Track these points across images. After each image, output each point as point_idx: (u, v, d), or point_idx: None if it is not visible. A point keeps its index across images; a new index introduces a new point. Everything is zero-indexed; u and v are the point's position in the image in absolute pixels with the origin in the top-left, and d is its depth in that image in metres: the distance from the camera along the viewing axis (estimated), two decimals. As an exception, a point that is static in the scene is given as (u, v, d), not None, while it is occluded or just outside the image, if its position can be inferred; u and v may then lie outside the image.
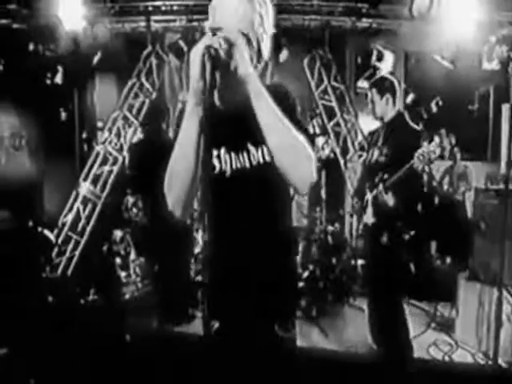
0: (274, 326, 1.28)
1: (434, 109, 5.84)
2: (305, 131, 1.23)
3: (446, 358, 3.44)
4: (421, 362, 3.37)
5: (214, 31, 1.05)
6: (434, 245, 5.45)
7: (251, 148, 1.23)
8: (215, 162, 1.26)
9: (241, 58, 1.05)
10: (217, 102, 1.22)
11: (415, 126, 2.96)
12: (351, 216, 5.13)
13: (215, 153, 1.26)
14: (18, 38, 4.84)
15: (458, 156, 5.95)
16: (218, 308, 1.27)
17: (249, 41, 1.19)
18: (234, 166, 1.26)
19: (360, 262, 4.97)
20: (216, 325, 1.28)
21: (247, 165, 1.24)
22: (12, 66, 4.85)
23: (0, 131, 5.11)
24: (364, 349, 3.36)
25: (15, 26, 4.84)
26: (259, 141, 1.16)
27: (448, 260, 5.28)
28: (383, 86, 3.07)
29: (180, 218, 1.20)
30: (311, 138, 1.26)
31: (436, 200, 5.65)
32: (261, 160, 1.24)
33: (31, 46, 4.72)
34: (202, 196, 1.11)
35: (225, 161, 1.26)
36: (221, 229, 1.23)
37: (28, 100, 4.88)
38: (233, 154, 1.25)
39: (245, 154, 1.24)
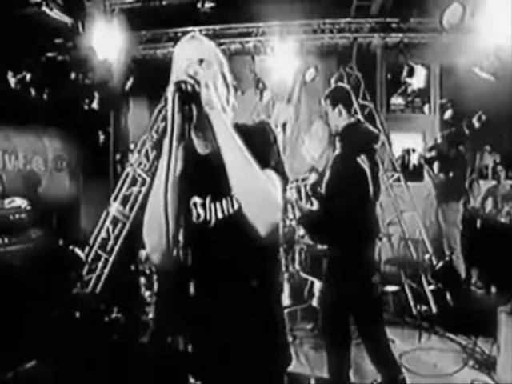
0: None
1: (477, 124, 5.34)
2: (282, 174, 1.20)
3: (485, 402, 3.08)
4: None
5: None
6: (475, 272, 4.96)
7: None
8: (200, 211, 1.23)
9: (205, 89, 1.07)
10: (196, 144, 1.23)
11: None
12: (380, 239, 4.81)
13: (200, 201, 1.23)
14: (62, 69, 5.20)
15: (503, 175, 5.40)
16: (202, 372, 1.21)
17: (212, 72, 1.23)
18: (219, 215, 1.22)
19: (389, 288, 4.69)
20: None
21: (231, 211, 1.20)
22: (56, 95, 5.20)
23: (45, 154, 5.47)
24: None
25: (60, 58, 5.20)
26: None
27: (493, 289, 4.83)
28: (336, 96, 2.72)
29: (159, 265, 1.16)
30: (286, 183, 1.22)
31: (478, 223, 5.15)
32: None
33: (73, 76, 5.04)
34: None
35: (209, 209, 1.22)
36: (204, 282, 1.20)
37: (69, 125, 5.20)
38: (217, 203, 1.22)
39: (229, 200, 1.20)
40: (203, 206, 1.22)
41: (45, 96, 5.11)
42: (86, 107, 5.20)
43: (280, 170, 1.21)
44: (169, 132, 1.02)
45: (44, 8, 4.00)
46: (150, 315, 4.57)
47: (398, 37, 4.79)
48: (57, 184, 5.55)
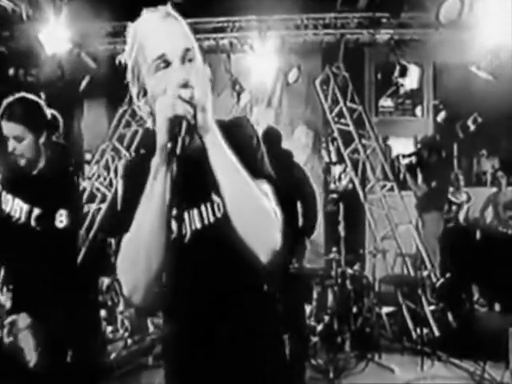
0: None
1: (472, 127, 5.40)
2: (269, 177, 1.17)
3: None
4: None
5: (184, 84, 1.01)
6: (476, 289, 4.97)
7: (215, 198, 1.12)
8: (173, 224, 1.12)
9: (201, 114, 1.00)
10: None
11: None
12: (374, 256, 4.73)
13: (174, 212, 1.12)
14: (-4, 62, 4.76)
15: (504, 181, 5.44)
16: None
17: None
18: (197, 225, 1.15)
19: (385, 309, 4.67)
20: None
21: (211, 219, 1.14)
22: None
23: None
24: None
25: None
26: None
27: (496, 307, 4.84)
28: None
29: (139, 305, 1.10)
30: (275, 184, 1.18)
31: (477, 234, 5.15)
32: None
33: (11, 71, 4.60)
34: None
35: (183, 220, 1.15)
36: (183, 306, 1.17)
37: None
38: (195, 210, 1.15)
39: (208, 206, 1.14)
40: (177, 217, 1.11)
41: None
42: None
43: (270, 176, 1.18)
44: (164, 153, 0.99)
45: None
46: (113, 355, 4.21)
47: (388, 33, 4.77)
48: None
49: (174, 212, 1.08)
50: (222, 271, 1.13)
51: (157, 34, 1.09)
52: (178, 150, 0.96)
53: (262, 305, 1.23)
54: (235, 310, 1.16)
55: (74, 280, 2.03)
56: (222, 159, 1.03)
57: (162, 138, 0.98)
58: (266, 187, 1.13)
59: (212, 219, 1.13)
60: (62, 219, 1.93)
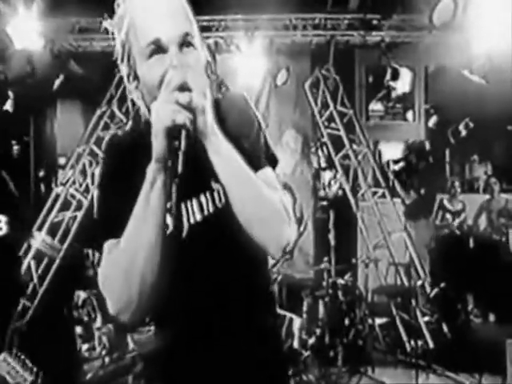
0: None
1: (464, 132, 5.46)
2: (271, 158, 1.15)
3: None
4: None
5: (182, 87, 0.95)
6: (470, 299, 5.02)
7: (215, 185, 1.09)
8: (167, 219, 1.08)
9: (201, 117, 0.96)
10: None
11: None
12: (366, 266, 4.72)
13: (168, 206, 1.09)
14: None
15: (497, 188, 5.49)
16: None
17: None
18: (196, 217, 1.10)
19: (378, 321, 4.67)
20: None
21: (211, 209, 1.11)
22: None
23: None
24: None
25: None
26: None
27: (491, 318, 4.86)
28: None
29: (126, 322, 1.04)
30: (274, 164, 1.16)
31: (471, 242, 5.18)
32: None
33: (-26, 68, 4.42)
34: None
35: (180, 213, 1.10)
36: (181, 304, 1.11)
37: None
38: (194, 201, 1.10)
39: (207, 195, 1.11)
40: (173, 210, 1.06)
41: None
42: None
43: (274, 159, 1.16)
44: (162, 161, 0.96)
45: None
46: (89, 375, 4.04)
47: (380, 35, 4.79)
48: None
49: (169, 205, 1.03)
50: (224, 264, 1.09)
51: (152, 11, 1.01)
52: (180, 169, 0.92)
53: (265, 301, 1.20)
54: (237, 306, 1.11)
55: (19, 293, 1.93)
56: (225, 162, 1.00)
57: (159, 147, 0.94)
58: (271, 174, 1.12)
59: (212, 209, 1.10)
60: (0, 226, 1.78)
